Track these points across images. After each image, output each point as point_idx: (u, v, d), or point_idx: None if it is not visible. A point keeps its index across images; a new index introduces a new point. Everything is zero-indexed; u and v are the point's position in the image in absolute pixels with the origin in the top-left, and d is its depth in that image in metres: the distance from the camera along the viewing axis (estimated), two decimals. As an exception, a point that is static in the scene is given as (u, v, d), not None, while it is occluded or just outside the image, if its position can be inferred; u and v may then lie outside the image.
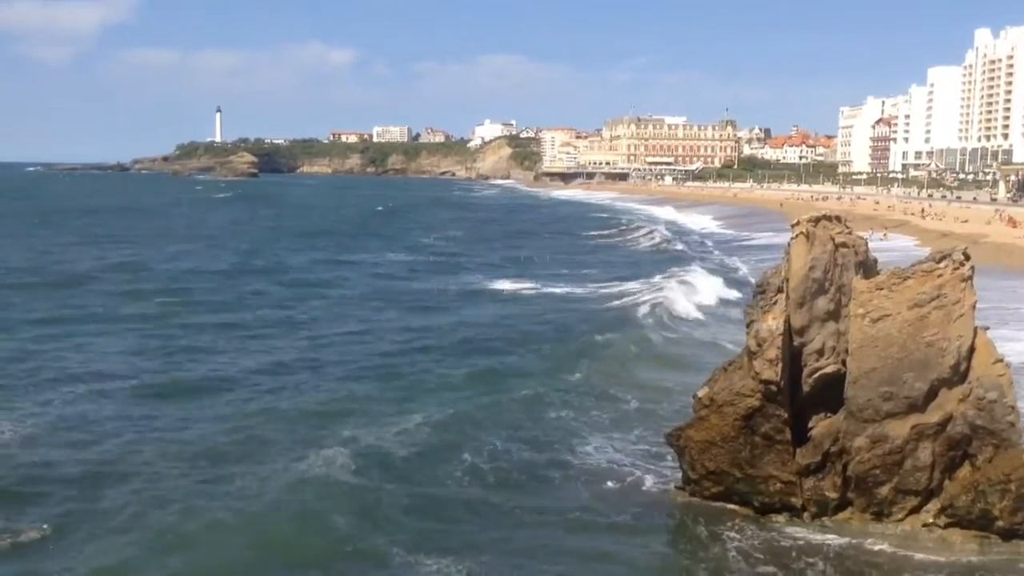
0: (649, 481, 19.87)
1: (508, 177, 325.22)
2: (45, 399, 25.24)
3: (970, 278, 17.39)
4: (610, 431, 23.29)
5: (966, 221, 78.72)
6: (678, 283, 48.34)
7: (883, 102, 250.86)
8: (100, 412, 24.21)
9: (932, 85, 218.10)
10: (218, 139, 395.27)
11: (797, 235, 18.19)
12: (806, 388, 18.14)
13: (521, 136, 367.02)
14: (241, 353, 31.85)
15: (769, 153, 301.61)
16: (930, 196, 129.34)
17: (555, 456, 21.40)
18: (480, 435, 22.42)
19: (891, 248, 57.16)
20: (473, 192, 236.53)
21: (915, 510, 17.47)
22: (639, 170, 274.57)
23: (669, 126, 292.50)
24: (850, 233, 18.43)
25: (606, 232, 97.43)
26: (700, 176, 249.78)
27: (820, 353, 18.01)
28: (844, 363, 17.76)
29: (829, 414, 18.07)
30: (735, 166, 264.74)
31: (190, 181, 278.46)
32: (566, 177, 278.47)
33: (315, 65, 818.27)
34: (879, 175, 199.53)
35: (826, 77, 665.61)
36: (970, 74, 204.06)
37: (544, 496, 19.18)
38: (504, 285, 51.76)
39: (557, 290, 49.82)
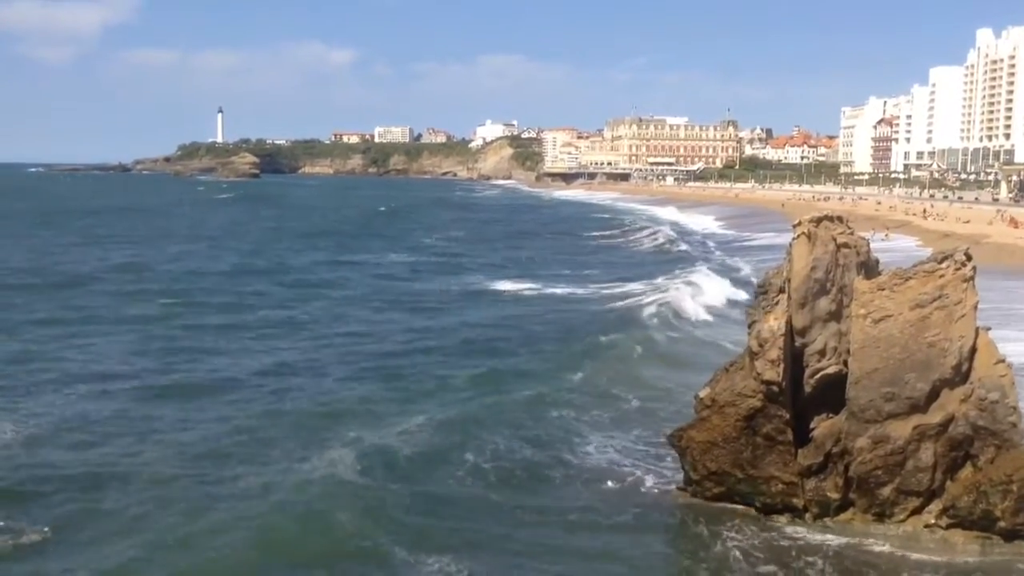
0: (650, 481, 19.89)
1: (510, 177, 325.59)
2: (47, 400, 25.25)
3: (972, 278, 17.37)
4: (611, 431, 23.30)
5: (968, 221, 78.61)
6: (684, 284, 48.08)
7: (885, 102, 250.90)
8: (102, 413, 24.20)
9: (934, 85, 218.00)
10: (220, 140, 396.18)
11: (799, 235, 18.19)
12: (808, 389, 18.14)
13: (522, 136, 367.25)
14: (243, 354, 31.88)
15: (771, 153, 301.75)
16: (932, 196, 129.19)
17: (557, 456, 21.43)
18: (482, 435, 22.44)
19: (893, 248, 57.03)
20: (475, 192, 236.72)
21: (917, 511, 17.45)
22: (641, 170, 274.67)
23: (671, 126, 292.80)
24: (852, 233, 18.41)
25: (608, 233, 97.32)
26: (702, 176, 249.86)
27: (822, 354, 18.02)
28: (846, 364, 17.75)
29: (831, 415, 18.07)
30: (737, 166, 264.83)
31: (192, 182, 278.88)
32: (567, 177, 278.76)
33: (316, 65, 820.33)
34: (881, 175, 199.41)
35: (828, 77, 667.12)
36: (972, 74, 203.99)
37: (545, 496, 19.22)
38: (506, 286, 51.75)
39: (559, 291, 49.77)
